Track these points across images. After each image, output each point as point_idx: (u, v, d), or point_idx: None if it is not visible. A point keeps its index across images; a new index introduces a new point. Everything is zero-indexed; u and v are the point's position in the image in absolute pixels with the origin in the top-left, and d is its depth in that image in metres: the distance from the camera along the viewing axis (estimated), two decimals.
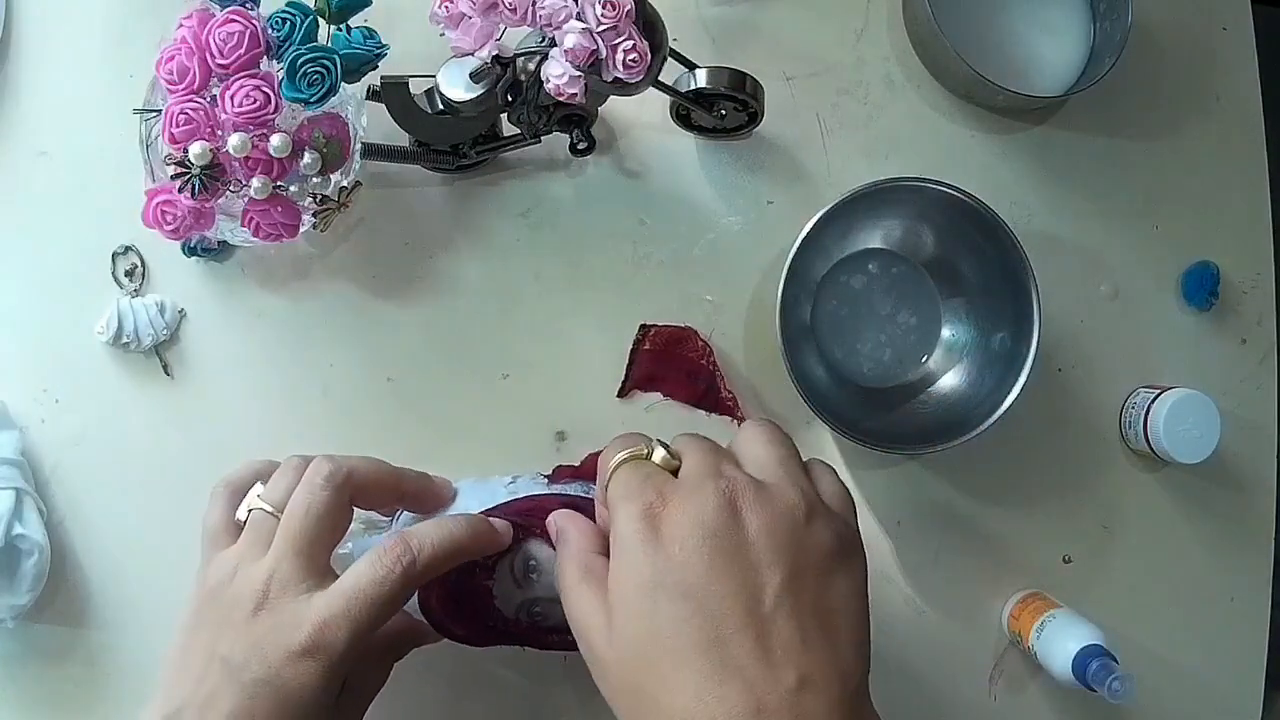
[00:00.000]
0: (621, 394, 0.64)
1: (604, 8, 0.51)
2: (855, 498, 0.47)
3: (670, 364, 0.64)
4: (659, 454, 0.45)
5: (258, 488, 0.52)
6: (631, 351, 0.64)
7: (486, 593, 0.52)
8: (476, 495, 0.55)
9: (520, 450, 0.63)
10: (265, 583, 0.47)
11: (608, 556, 0.44)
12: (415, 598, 0.51)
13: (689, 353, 0.64)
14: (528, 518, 0.52)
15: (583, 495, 0.54)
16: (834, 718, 0.39)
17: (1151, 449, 0.65)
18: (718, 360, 0.64)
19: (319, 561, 0.48)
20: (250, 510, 0.51)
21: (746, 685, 0.38)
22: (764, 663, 0.38)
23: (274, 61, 0.54)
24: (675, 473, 0.44)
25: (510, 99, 0.56)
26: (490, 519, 0.51)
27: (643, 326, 0.64)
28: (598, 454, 0.53)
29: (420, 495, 0.54)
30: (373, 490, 0.52)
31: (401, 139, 0.60)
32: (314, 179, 0.55)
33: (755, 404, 0.65)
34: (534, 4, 0.52)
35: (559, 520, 0.48)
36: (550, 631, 0.53)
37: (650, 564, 0.40)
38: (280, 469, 0.53)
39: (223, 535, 0.51)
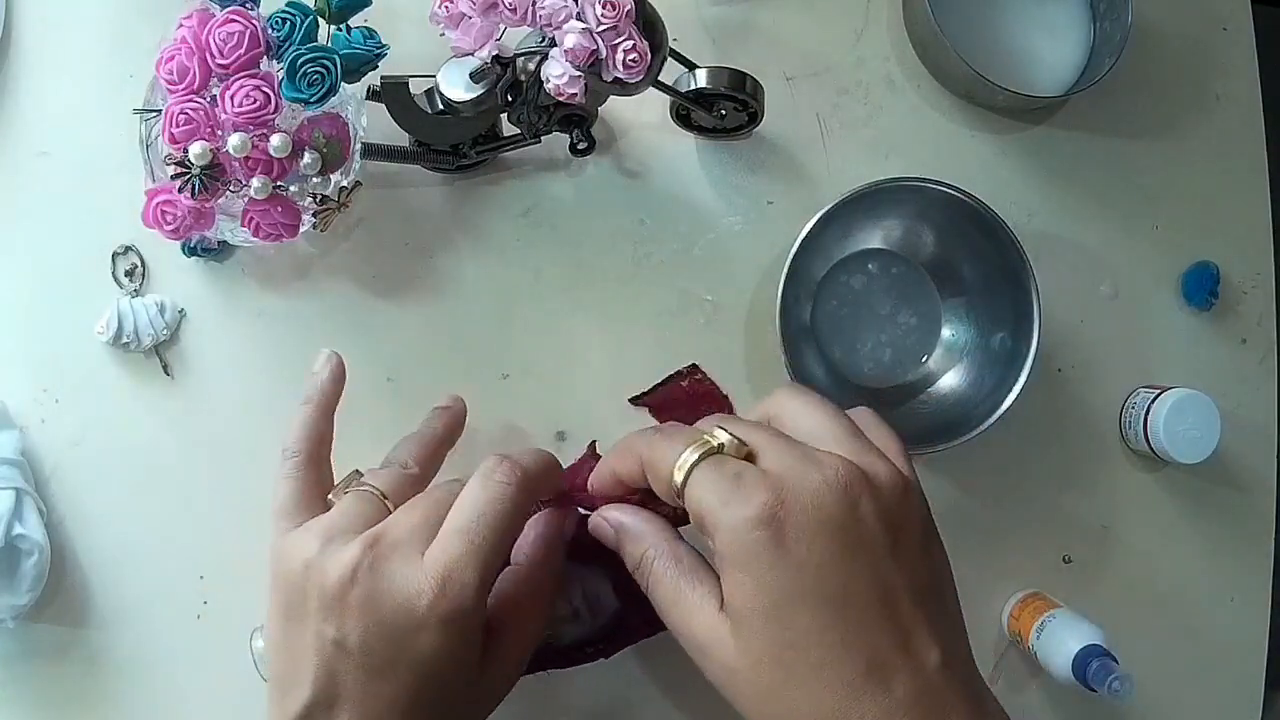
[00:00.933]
0: (636, 401, 0.64)
1: (604, 8, 0.51)
2: None
3: (690, 410, 0.64)
4: (730, 443, 0.41)
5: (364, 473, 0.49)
6: (670, 376, 0.64)
7: None
8: None
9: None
10: (366, 551, 0.42)
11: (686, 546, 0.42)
12: None
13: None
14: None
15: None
16: (975, 681, 0.40)
17: (1151, 449, 0.65)
18: None
19: (486, 564, 0.43)
20: (352, 489, 0.47)
21: (895, 677, 0.38)
22: (905, 650, 0.38)
23: (274, 61, 0.54)
24: (749, 458, 0.41)
25: (510, 99, 0.56)
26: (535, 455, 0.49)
27: (693, 366, 0.64)
28: (575, 471, 0.53)
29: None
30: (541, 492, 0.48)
31: (401, 139, 0.60)
32: (314, 179, 0.55)
33: (756, 403, 0.65)
34: (534, 4, 0.52)
35: (617, 516, 0.44)
36: (569, 651, 0.52)
37: (784, 576, 0.38)
38: (397, 451, 0.51)
39: (297, 511, 0.47)
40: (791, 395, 0.44)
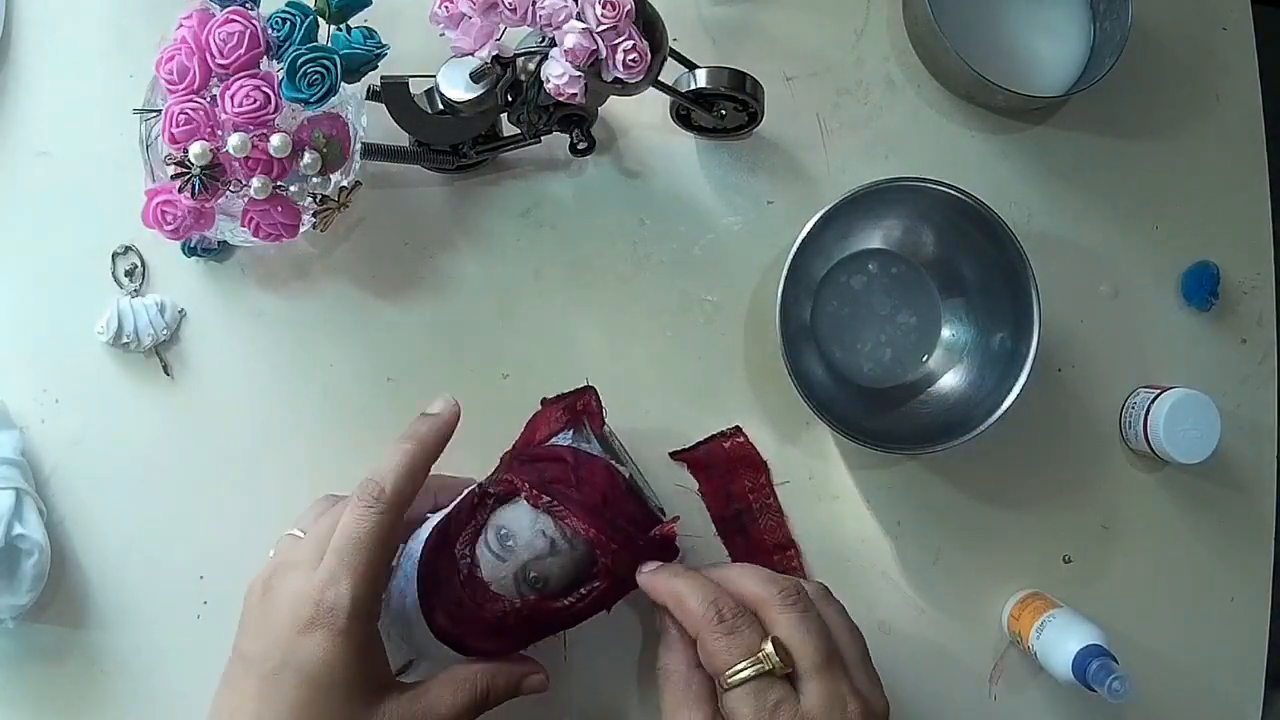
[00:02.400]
0: (675, 456, 0.64)
1: (604, 8, 0.51)
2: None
3: (727, 474, 0.64)
4: (775, 661, 0.46)
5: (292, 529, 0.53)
6: (713, 436, 0.64)
7: (482, 586, 0.51)
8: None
9: None
10: (318, 597, 0.47)
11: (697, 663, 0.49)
12: (431, 630, 0.52)
13: (745, 478, 0.64)
14: (479, 492, 0.53)
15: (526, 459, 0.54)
16: None
17: (1151, 449, 0.65)
18: (765, 504, 0.65)
19: (367, 585, 0.49)
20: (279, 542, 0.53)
21: None
22: None
23: (274, 61, 0.54)
24: (788, 676, 0.47)
25: (510, 99, 0.56)
26: (426, 414, 0.54)
27: (737, 428, 0.64)
28: (530, 427, 0.57)
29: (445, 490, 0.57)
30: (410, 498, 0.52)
31: (401, 139, 0.60)
32: (314, 179, 0.55)
33: (756, 404, 0.65)
34: (534, 4, 0.52)
35: (675, 581, 0.50)
36: (561, 594, 0.52)
37: None
38: (311, 505, 0.55)
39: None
40: (830, 606, 0.51)
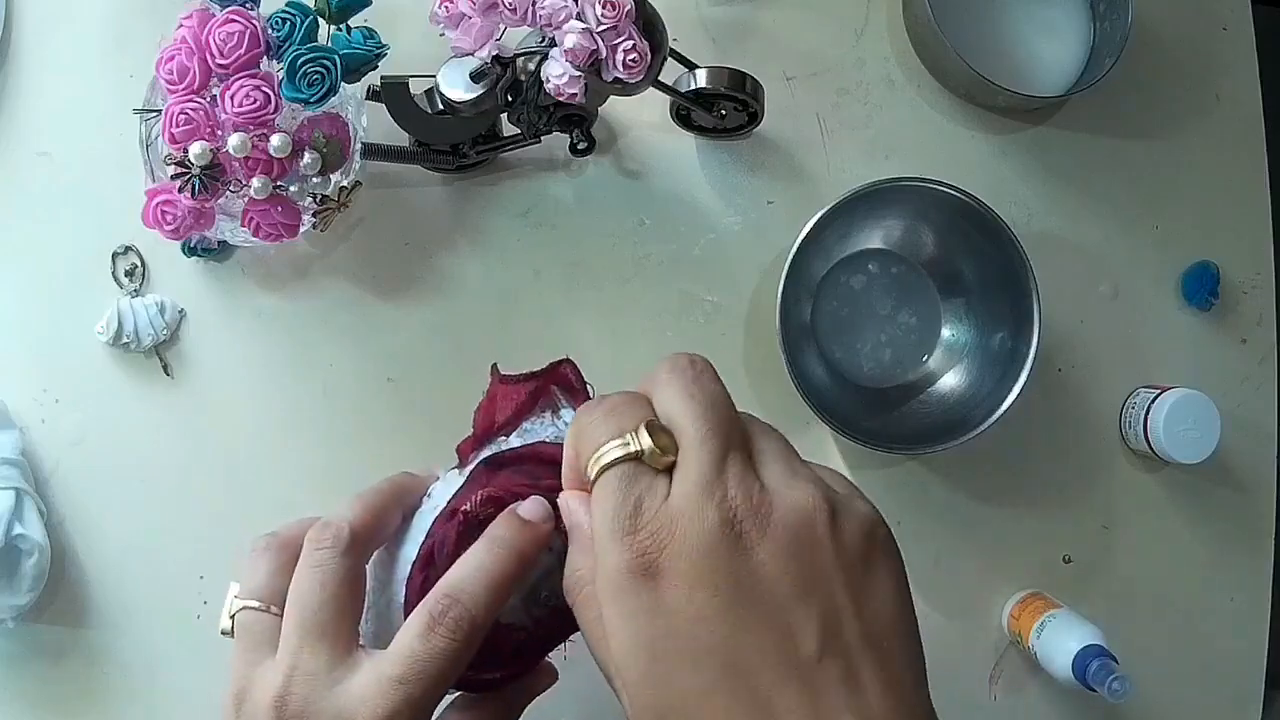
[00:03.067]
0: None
1: (604, 8, 0.51)
2: None
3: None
4: (647, 443, 0.35)
5: (234, 587, 0.43)
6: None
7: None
8: (420, 522, 0.46)
9: None
10: (284, 688, 0.38)
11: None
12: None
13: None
14: (460, 512, 0.44)
15: (500, 451, 0.46)
16: None
17: (1151, 449, 0.65)
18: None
19: (344, 641, 0.40)
20: (233, 616, 0.43)
21: None
22: (813, 715, 0.32)
23: (274, 61, 0.54)
24: (670, 468, 0.35)
25: (510, 99, 0.56)
26: (516, 509, 0.42)
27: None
28: (480, 408, 0.47)
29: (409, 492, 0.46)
30: (379, 536, 0.44)
31: (401, 139, 0.60)
32: (314, 179, 0.55)
33: (756, 404, 0.65)
34: (534, 4, 0.52)
35: (572, 508, 0.39)
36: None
37: (655, 627, 0.33)
38: (250, 557, 0.43)
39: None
40: (669, 373, 0.38)
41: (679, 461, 0.35)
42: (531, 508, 0.42)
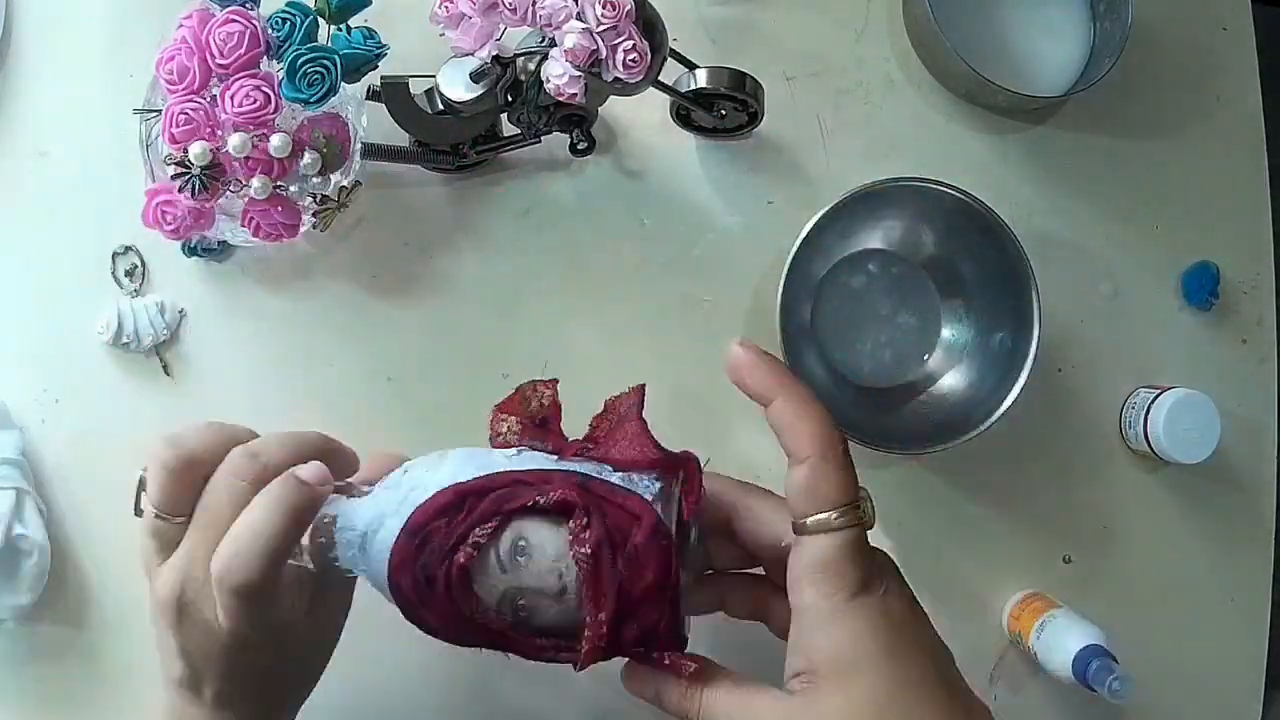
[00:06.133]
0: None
1: (604, 8, 0.51)
2: None
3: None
4: (870, 518, 0.44)
5: (141, 483, 0.49)
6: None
7: (464, 575, 0.44)
8: (472, 461, 0.47)
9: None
10: (180, 585, 0.47)
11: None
12: (386, 579, 0.45)
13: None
14: (526, 489, 0.45)
15: (597, 476, 0.45)
16: None
17: (1151, 449, 0.65)
18: None
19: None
20: (144, 511, 0.49)
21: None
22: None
23: (274, 61, 0.54)
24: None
25: (510, 99, 0.56)
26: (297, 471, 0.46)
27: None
28: (606, 421, 0.49)
29: (329, 456, 0.51)
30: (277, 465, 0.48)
31: (401, 139, 0.60)
32: (314, 179, 0.55)
33: (756, 404, 0.65)
34: (534, 4, 0.52)
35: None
36: (535, 634, 0.45)
37: (890, 632, 0.43)
38: (160, 471, 0.47)
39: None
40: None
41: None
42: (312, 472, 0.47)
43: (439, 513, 0.45)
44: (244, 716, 0.49)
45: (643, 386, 0.49)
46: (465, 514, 0.45)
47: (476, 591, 0.45)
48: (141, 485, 0.48)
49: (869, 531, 0.43)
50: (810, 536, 0.43)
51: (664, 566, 0.44)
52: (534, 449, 0.48)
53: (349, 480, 0.50)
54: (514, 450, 0.48)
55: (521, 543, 0.45)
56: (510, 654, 0.47)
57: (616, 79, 0.53)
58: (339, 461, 0.51)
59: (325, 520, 0.47)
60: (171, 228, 0.54)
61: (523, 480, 0.45)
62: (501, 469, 0.46)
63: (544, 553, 0.44)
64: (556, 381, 0.51)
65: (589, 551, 0.43)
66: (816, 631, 0.42)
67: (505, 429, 0.49)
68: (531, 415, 0.50)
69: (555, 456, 0.47)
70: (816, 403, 0.44)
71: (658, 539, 0.44)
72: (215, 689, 0.48)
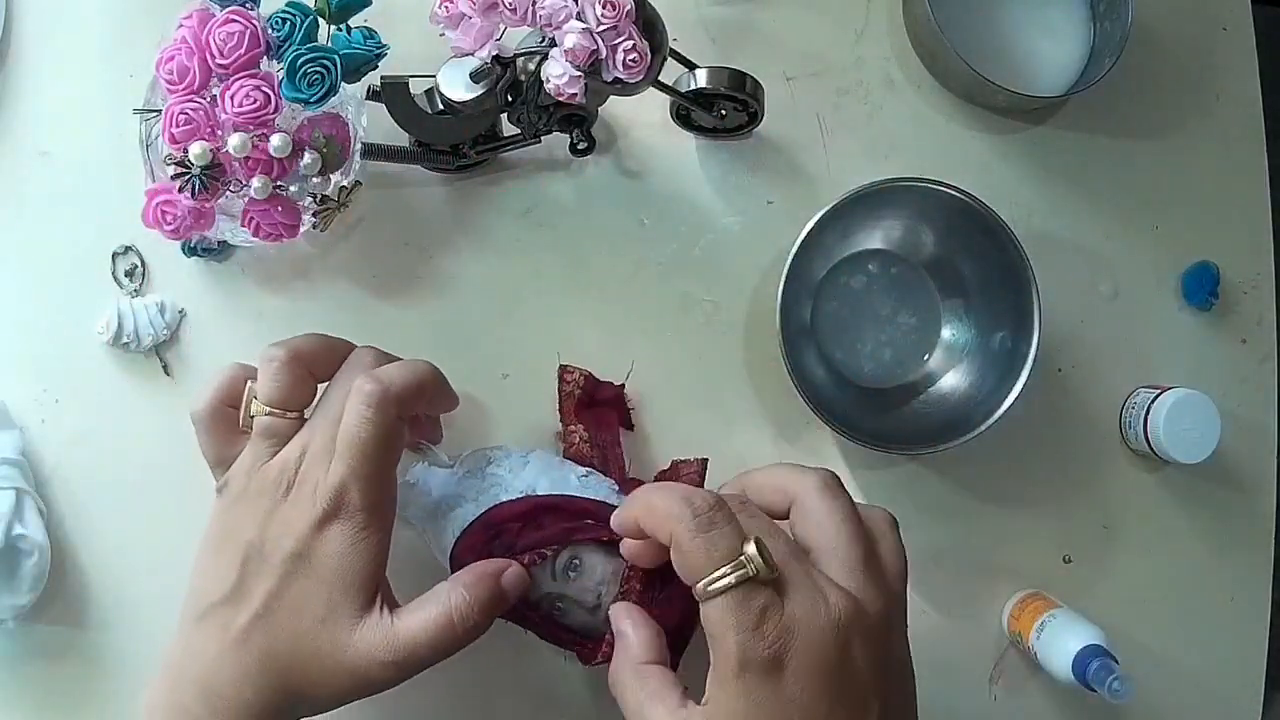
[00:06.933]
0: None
1: (604, 8, 0.51)
2: (856, 498, 0.47)
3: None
4: (764, 572, 0.41)
5: (251, 393, 0.51)
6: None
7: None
8: (548, 474, 0.55)
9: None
10: (295, 464, 0.48)
11: (661, 661, 0.46)
12: (450, 548, 0.53)
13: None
14: (587, 519, 0.53)
15: None
16: None
17: (1151, 449, 0.65)
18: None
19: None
20: (255, 417, 0.50)
21: None
22: None
23: (274, 61, 0.54)
24: (775, 583, 0.41)
25: (510, 99, 0.56)
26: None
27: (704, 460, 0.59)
28: (667, 476, 0.56)
29: (439, 400, 0.54)
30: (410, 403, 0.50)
31: (401, 139, 0.60)
32: (314, 179, 0.55)
33: (756, 404, 0.65)
34: (534, 4, 0.52)
35: (619, 615, 0.48)
36: (563, 629, 0.53)
37: (774, 710, 0.40)
38: (268, 367, 0.51)
39: (227, 455, 0.51)
40: (821, 495, 0.45)
41: (790, 584, 0.42)
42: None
43: (514, 517, 0.53)
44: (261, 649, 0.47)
45: (706, 460, 0.58)
46: (537, 527, 0.53)
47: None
48: (250, 394, 0.51)
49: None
50: (710, 602, 0.42)
51: (688, 614, 0.50)
52: (600, 471, 0.56)
53: (423, 442, 0.57)
54: (584, 471, 0.56)
55: (576, 561, 0.53)
56: (528, 630, 0.54)
57: (616, 79, 0.53)
58: (442, 398, 0.54)
59: (405, 481, 0.55)
60: (171, 228, 0.54)
61: (590, 513, 0.53)
62: (574, 490, 0.54)
63: (593, 574, 0.52)
64: (568, 367, 0.61)
65: (639, 588, 0.51)
66: (711, 685, 0.42)
67: (577, 439, 0.58)
68: (577, 401, 0.60)
69: (618, 489, 0.55)
70: (660, 490, 0.45)
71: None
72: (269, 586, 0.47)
